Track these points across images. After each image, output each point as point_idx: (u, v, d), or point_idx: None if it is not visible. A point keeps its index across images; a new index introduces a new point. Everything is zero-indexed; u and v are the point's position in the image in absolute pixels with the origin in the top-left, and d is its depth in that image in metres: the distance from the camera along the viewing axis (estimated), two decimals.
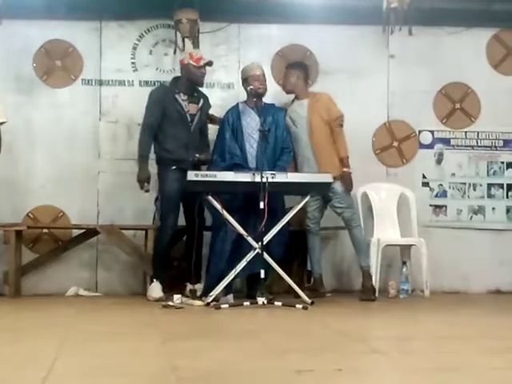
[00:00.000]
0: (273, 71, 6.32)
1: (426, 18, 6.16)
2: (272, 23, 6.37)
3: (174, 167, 5.45)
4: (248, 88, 5.55)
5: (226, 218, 5.13)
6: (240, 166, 5.43)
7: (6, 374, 2.75)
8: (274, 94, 6.07)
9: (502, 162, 6.52)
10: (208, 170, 5.49)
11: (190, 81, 5.59)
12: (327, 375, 2.77)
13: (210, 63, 5.59)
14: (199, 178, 5.11)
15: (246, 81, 5.62)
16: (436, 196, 6.47)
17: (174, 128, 5.51)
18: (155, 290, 5.45)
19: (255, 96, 5.51)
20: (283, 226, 5.25)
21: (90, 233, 5.98)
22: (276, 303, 4.85)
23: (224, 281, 5.13)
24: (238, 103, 5.67)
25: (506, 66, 6.54)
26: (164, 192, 5.53)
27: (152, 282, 5.51)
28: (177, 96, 5.55)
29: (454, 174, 6.48)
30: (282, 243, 5.39)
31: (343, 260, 6.32)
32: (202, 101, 5.63)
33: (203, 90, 5.75)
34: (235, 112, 5.61)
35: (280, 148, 5.58)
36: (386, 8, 5.91)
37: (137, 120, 6.21)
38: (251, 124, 5.56)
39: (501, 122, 6.47)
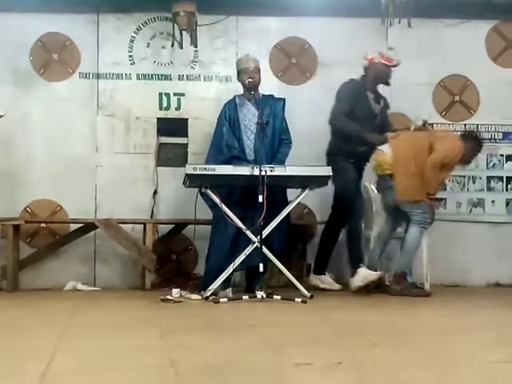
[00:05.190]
0: (271, 64, 6.31)
1: (424, 10, 6.13)
2: (270, 16, 6.35)
3: (352, 160, 5.42)
4: (246, 81, 5.51)
5: (224, 211, 5.11)
6: (238, 158, 5.40)
7: (5, 368, 2.73)
8: (271, 86, 6.06)
9: (502, 155, 6.50)
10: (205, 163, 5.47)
11: (377, 79, 5.63)
12: (327, 368, 2.75)
13: (398, 64, 5.65)
14: (197, 172, 5.08)
15: (239, 74, 5.60)
16: None
17: (359, 124, 5.54)
18: (326, 281, 5.69)
19: (249, 89, 5.48)
20: (283, 219, 5.24)
21: (88, 227, 5.96)
22: (275, 297, 4.82)
23: (223, 275, 5.11)
24: (234, 96, 5.65)
25: (505, 59, 6.52)
26: (341, 184, 5.51)
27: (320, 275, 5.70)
28: (367, 93, 5.62)
29: None
30: (282, 236, 5.37)
31: (343, 254, 6.30)
32: (382, 101, 5.74)
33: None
34: (232, 105, 5.58)
35: (278, 139, 5.55)
36: (385, 0, 5.89)
37: (135, 113, 6.23)
38: (248, 116, 5.54)
39: (500, 115, 6.45)
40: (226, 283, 5.18)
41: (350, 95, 5.56)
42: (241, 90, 5.71)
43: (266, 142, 5.41)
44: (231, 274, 5.21)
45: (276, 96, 5.70)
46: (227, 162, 5.33)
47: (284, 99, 5.64)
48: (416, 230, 5.46)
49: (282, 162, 5.41)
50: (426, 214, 5.47)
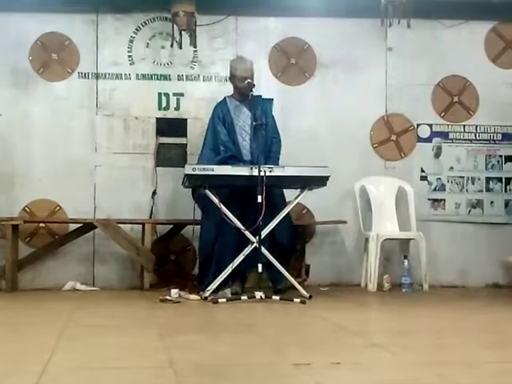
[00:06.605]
0: (270, 64, 6.31)
1: (424, 11, 6.13)
2: (270, 16, 6.35)
3: None
4: (246, 82, 5.45)
5: (223, 211, 5.10)
6: (235, 158, 5.39)
7: (3, 368, 2.73)
8: (270, 86, 6.06)
9: (501, 156, 6.49)
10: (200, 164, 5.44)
11: None
12: (325, 369, 2.75)
13: None
14: (197, 172, 5.08)
15: (234, 77, 5.56)
16: (434, 190, 6.45)
17: None
18: None
19: (246, 90, 5.36)
20: (285, 217, 5.23)
21: (87, 227, 5.96)
22: (274, 297, 4.83)
23: (222, 275, 5.11)
24: (224, 97, 5.62)
25: (504, 59, 6.51)
26: None
27: None
28: None
29: (452, 168, 6.46)
30: (289, 231, 5.37)
31: (342, 254, 6.30)
32: None
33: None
34: (224, 106, 5.56)
35: (271, 138, 5.54)
36: (385, 1, 5.89)
37: (134, 113, 6.23)
38: (242, 118, 5.53)
39: (499, 116, 6.44)
40: (225, 283, 5.18)
41: None
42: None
43: (261, 143, 5.39)
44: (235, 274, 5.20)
45: (270, 97, 5.64)
46: (224, 162, 5.32)
47: (272, 99, 5.62)
48: None
49: (276, 161, 5.40)
50: None
